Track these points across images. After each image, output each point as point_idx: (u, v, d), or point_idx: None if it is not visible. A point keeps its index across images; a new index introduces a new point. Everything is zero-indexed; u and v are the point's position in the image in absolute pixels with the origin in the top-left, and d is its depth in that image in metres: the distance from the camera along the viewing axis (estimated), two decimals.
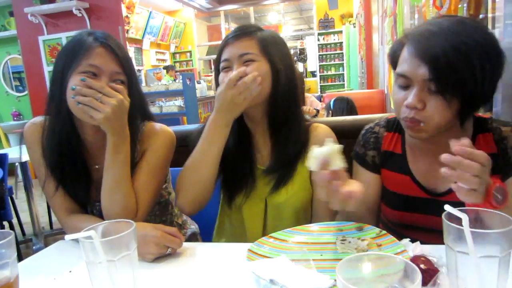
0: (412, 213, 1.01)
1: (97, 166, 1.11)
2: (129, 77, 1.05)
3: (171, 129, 1.18)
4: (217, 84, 1.10)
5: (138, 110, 1.12)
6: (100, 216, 1.08)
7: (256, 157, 1.15)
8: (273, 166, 1.10)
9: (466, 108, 0.85)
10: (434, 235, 0.94)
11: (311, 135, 1.12)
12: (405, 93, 0.88)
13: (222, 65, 1.08)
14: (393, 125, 1.07)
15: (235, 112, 1.01)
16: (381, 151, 1.06)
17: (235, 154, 1.12)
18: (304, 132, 1.11)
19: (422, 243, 0.80)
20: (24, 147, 1.12)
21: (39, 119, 1.11)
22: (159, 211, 1.27)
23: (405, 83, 0.87)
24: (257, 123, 1.13)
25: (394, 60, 0.94)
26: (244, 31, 1.08)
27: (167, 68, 8.03)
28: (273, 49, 1.07)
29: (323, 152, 0.78)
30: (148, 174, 1.08)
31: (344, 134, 1.14)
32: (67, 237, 0.65)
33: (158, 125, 1.16)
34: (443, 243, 0.64)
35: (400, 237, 0.84)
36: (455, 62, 0.79)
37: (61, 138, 1.05)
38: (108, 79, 1.00)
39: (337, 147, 0.78)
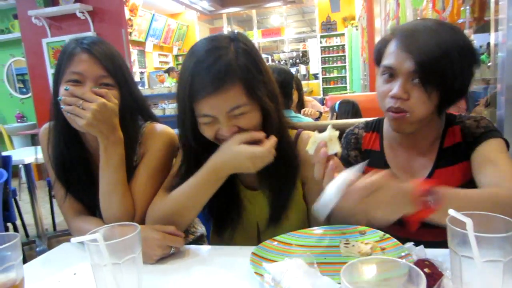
0: None
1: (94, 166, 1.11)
2: (117, 78, 1.03)
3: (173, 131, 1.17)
4: (190, 132, 0.94)
5: (135, 111, 1.12)
6: None
7: (239, 180, 1.07)
8: (264, 189, 1.02)
9: (444, 101, 0.94)
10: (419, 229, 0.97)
11: (301, 148, 1.01)
12: (389, 85, 0.95)
13: (203, 120, 0.90)
14: (372, 126, 1.15)
15: (240, 169, 0.92)
16: (362, 151, 1.12)
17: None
18: (292, 147, 1.02)
19: (413, 240, 0.81)
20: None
21: (49, 123, 1.13)
22: None
23: (390, 75, 0.95)
24: None
25: (378, 57, 1.01)
26: (224, 78, 0.85)
27: (168, 71, 8.05)
28: (260, 87, 0.90)
29: (322, 137, 0.82)
30: (147, 176, 1.08)
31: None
32: (73, 239, 0.65)
33: (159, 126, 1.14)
34: (422, 234, 0.65)
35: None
36: (438, 57, 0.88)
37: (64, 143, 1.08)
38: (94, 83, 0.99)
39: (336, 133, 0.82)
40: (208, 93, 0.85)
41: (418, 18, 2.50)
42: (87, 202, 1.12)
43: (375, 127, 1.14)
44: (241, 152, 0.89)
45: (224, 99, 0.86)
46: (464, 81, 0.93)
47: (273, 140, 0.92)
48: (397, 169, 1.05)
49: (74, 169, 1.09)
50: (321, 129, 1.18)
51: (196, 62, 0.88)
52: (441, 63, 0.88)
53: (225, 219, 1.07)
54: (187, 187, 0.96)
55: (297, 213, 1.03)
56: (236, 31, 0.99)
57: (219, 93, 0.85)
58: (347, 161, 1.10)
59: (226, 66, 0.86)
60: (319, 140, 0.82)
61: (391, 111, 0.95)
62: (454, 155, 1.01)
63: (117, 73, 1.04)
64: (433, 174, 1.02)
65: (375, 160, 1.08)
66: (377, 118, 1.17)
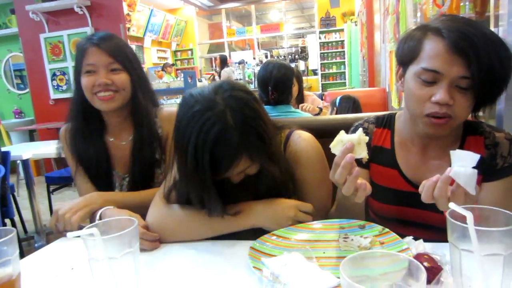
0: (399, 206, 1.02)
1: (111, 139, 1.30)
2: (124, 64, 1.23)
3: None
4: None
5: (146, 93, 1.30)
6: (132, 187, 1.28)
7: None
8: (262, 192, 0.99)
9: (482, 105, 0.90)
10: (422, 230, 0.97)
11: (294, 148, 1.01)
12: (429, 89, 0.87)
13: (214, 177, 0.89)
14: (383, 122, 1.09)
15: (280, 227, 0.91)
16: (371, 147, 1.07)
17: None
18: (284, 158, 1.01)
19: (415, 239, 0.81)
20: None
21: (67, 124, 1.32)
22: None
23: (432, 78, 0.86)
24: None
25: (408, 55, 0.91)
26: (231, 157, 0.86)
27: (163, 67, 8.03)
28: (258, 147, 0.90)
29: (351, 139, 0.80)
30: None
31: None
32: (69, 234, 0.65)
33: (168, 109, 1.33)
34: (430, 238, 0.64)
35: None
36: (494, 64, 0.81)
37: (86, 123, 1.27)
38: (105, 70, 1.21)
39: (366, 137, 0.80)
40: (220, 169, 0.87)
41: (419, 13, 2.48)
42: (105, 172, 1.29)
43: (387, 123, 1.09)
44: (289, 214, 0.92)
45: (234, 169, 0.88)
46: (507, 80, 0.86)
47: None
48: (408, 169, 1.02)
49: (95, 148, 1.27)
50: (321, 125, 1.18)
51: (200, 142, 0.83)
52: (497, 70, 0.82)
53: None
54: (196, 223, 0.96)
55: None
56: (224, 83, 0.91)
57: (229, 169, 0.87)
58: (358, 160, 1.07)
59: (231, 149, 0.84)
60: (346, 141, 0.79)
61: (433, 116, 0.87)
62: None
63: (123, 59, 1.23)
64: None
65: (385, 158, 1.05)
66: (388, 113, 1.12)
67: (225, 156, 0.85)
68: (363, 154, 0.80)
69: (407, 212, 1.01)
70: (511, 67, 0.84)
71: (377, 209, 1.08)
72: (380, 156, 1.06)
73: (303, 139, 1.03)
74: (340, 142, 0.81)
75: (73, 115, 1.29)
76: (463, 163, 0.71)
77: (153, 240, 0.94)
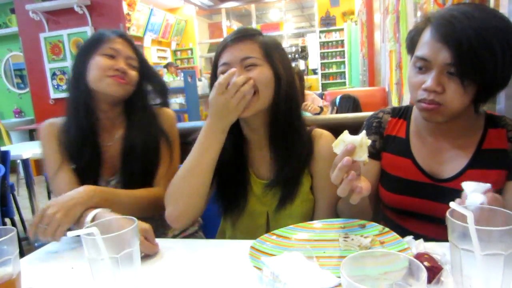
0: (411, 197, 1.01)
1: (110, 144, 1.24)
2: (141, 64, 1.25)
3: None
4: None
5: (159, 95, 1.33)
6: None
7: (251, 171, 1.10)
8: (276, 182, 1.04)
9: (482, 94, 0.87)
10: (434, 225, 0.97)
11: (316, 144, 1.06)
12: (422, 76, 0.89)
13: (221, 69, 1.01)
14: (399, 112, 1.10)
15: (231, 118, 0.96)
16: (384, 136, 1.08)
17: (229, 165, 1.06)
18: (307, 142, 1.06)
19: (425, 238, 0.80)
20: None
21: (57, 120, 1.25)
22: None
23: (424, 66, 0.89)
24: (257, 133, 1.08)
25: (411, 45, 0.95)
26: (245, 34, 1.03)
27: (167, 66, 8.04)
28: (276, 55, 1.02)
29: (354, 140, 0.80)
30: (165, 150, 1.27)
31: (359, 127, 1.14)
32: (69, 233, 0.65)
33: (165, 108, 1.33)
34: (441, 233, 0.63)
35: (400, 230, 0.85)
36: (477, 48, 0.80)
37: (79, 119, 1.19)
38: (124, 61, 1.21)
39: (368, 141, 0.80)
40: (229, 44, 1.01)
41: (419, 13, 2.48)
42: (92, 177, 1.21)
43: (403, 113, 1.09)
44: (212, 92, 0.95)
45: (240, 50, 0.99)
46: (506, 72, 0.85)
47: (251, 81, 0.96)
48: (423, 159, 1.01)
49: (85, 141, 1.19)
50: (321, 125, 1.18)
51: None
52: (480, 54, 0.80)
53: (233, 206, 1.10)
54: (191, 151, 0.99)
55: (304, 203, 1.05)
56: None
57: (237, 44, 1.00)
58: (372, 148, 1.06)
59: (249, 31, 1.04)
60: (349, 142, 0.80)
61: (424, 102, 0.90)
62: (493, 159, 0.94)
63: (140, 58, 1.26)
64: (464, 173, 0.95)
65: (399, 147, 1.05)
66: (406, 105, 1.12)
67: (241, 32, 1.04)
68: (363, 157, 0.79)
69: (419, 203, 1.00)
70: (506, 56, 0.82)
71: (387, 199, 1.07)
72: (393, 145, 1.06)
73: (327, 140, 1.07)
74: (342, 142, 0.81)
75: (73, 108, 1.21)
76: (475, 196, 0.70)
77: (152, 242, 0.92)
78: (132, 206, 1.11)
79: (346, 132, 0.82)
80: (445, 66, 0.85)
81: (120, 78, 1.18)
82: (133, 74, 1.22)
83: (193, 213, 1.00)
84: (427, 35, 0.88)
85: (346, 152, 0.79)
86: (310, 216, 1.09)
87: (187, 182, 0.98)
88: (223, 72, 0.98)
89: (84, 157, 1.19)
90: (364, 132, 0.81)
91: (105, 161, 1.23)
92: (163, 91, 1.34)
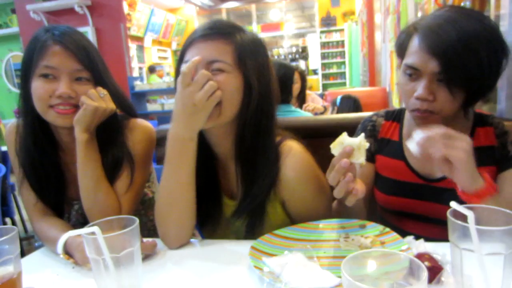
0: (405, 198, 1.02)
1: (76, 164, 1.05)
2: (93, 72, 1.00)
3: (167, 126, 1.16)
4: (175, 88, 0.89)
5: (122, 110, 1.11)
6: (81, 216, 1.11)
7: (223, 190, 1.02)
8: (243, 208, 0.94)
9: (471, 99, 0.89)
10: (429, 224, 0.98)
11: (282, 164, 0.92)
12: (413, 84, 0.90)
13: (183, 66, 0.87)
14: (392, 115, 1.11)
15: (198, 119, 0.85)
16: (378, 139, 1.09)
17: (200, 184, 0.95)
18: (275, 160, 0.92)
19: (421, 238, 0.81)
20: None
21: (17, 120, 1.10)
22: (144, 210, 1.25)
23: (414, 74, 0.90)
24: (223, 147, 0.98)
25: (401, 50, 0.95)
26: (219, 31, 0.89)
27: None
28: (251, 61, 0.89)
29: (352, 143, 0.79)
30: (125, 170, 1.07)
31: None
32: (70, 232, 0.65)
33: (138, 121, 1.13)
34: (437, 232, 0.64)
35: (397, 231, 0.85)
36: (464, 57, 0.82)
37: (35, 137, 1.04)
38: (68, 78, 0.97)
39: (366, 144, 0.80)
40: (198, 39, 0.89)
41: (420, 13, 2.48)
42: (56, 198, 1.09)
43: (396, 116, 1.11)
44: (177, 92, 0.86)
45: (209, 50, 0.87)
46: (492, 77, 0.87)
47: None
48: (415, 161, 1.02)
49: (43, 168, 1.05)
50: (321, 125, 1.18)
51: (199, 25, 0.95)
52: (467, 62, 0.82)
53: (209, 223, 1.04)
54: (164, 171, 0.91)
55: (275, 226, 0.93)
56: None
57: (207, 42, 0.88)
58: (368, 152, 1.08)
59: (225, 28, 0.90)
60: (347, 144, 0.79)
61: (418, 112, 0.91)
62: (483, 157, 0.92)
63: (92, 66, 1.00)
64: None
65: (392, 149, 1.06)
66: (399, 108, 1.13)
67: (215, 26, 0.91)
68: (361, 159, 0.79)
69: (413, 204, 1.01)
70: (492, 63, 0.84)
71: (382, 201, 1.08)
72: (387, 148, 1.08)
73: (292, 156, 0.92)
74: (340, 143, 0.81)
75: (26, 130, 1.04)
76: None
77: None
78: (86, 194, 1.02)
79: (344, 134, 0.82)
80: (434, 75, 0.86)
81: (62, 111, 0.97)
82: (84, 90, 0.98)
83: (186, 232, 0.94)
84: (415, 44, 0.89)
85: (344, 154, 0.79)
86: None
87: (170, 205, 0.91)
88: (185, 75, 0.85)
89: (43, 176, 1.05)
90: (362, 135, 0.81)
91: (70, 182, 1.09)
92: (120, 100, 1.08)
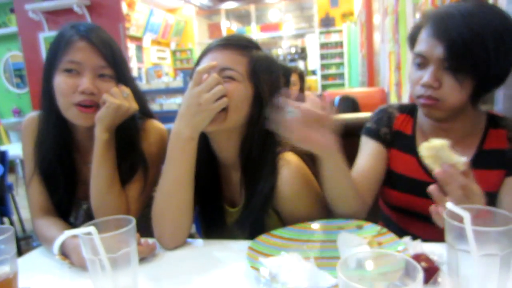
0: (414, 196, 1.00)
1: (89, 165, 1.04)
2: (116, 70, 1.00)
3: (169, 126, 1.15)
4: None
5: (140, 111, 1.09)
6: (88, 216, 1.09)
7: (224, 195, 1.04)
8: (246, 215, 0.95)
9: (479, 89, 0.88)
10: (434, 226, 0.94)
11: (279, 178, 0.92)
12: (421, 73, 0.90)
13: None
14: (406, 109, 1.09)
15: (200, 119, 0.86)
16: (393, 130, 1.08)
17: (201, 190, 0.98)
18: (273, 170, 0.92)
19: (425, 239, 0.80)
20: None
21: (37, 113, 1.10)
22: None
23: (422, 62, 0.90)
24: (227, 154, 0.99)
25: (412, 43, 0.96)
26: (237, 43, 0.93)
27: None
28: (265, 75, 0.92)
29: (449, 159, 0.73)
30: (140, 173, 1.06)
31: (346, 132, 1.13)
32: (67, 232, 0.65)
33: (153, 123, 1.13)
34: (442, 235, 0.63)
35: (400, 231, 0.84)
36: (469, 43, 0.82)
37: (54, 135, 1.04)
38: (92, 74, 0.97)
39: (447, 142, 0.74)
40: (215, 48, 0.93)
41: (418, 14, 2.48)
42: (65, 197, 1.07)
43: (410, 110, 1.09)
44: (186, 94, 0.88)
45: (223, 58, 0.91)
46: (501, 67, 0.85)
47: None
48: None
49: (58, 166, 1.05)
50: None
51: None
52: (473, 49, 0.82)
53: (212, 231, 1.05)
54: (164, 170, 0.92)
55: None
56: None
57: (223, 51, 0.92)
58: (377, 134, 1.07)
59: (243, 41, 0.95)
60: (445, 161, 0.72)
61: (422, 98, 0.91)
62: (494, 159, 0.94)
63: (116, 63, 1.00)
64: None
65: (404, 143, 1.05)
66: (412, 103, 1.11)
67: (231, 38, 0.96)
68: (456, 159, 0.73)
69: (420, 202, 0.97)
70: (500, 51, 0.82)
71: (390, 198, 1.07)
72: (400, 141, 1.06)
73: (288, 169, 0.92)
74: (435, 158, 0.74)
75: (46, 121, 1.04)
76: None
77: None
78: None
79: (424, 145, 0.75)
80: (441, 62, 0.86)
81: (85, 108, 0.97)
82: (106, 88, 0.98)
83: (181, 233, 0.93)
84: (424, 32, 0.90)
85: (459, 172, 0.72)
86: None
87: (167, 205, 0.91)
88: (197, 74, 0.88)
89: (56, 174, 1.05)
90: (444, 141, 0.74)
91: (81, 182, 1.08)
92: (139, 100, 1.05)
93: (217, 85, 0.86)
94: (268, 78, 0.93)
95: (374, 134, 1.08)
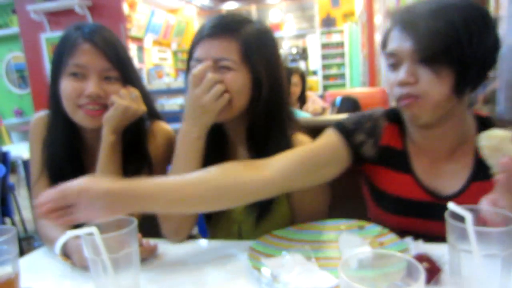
0: (414, 218, 0.91)
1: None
2: (122, 72, 1.00)
3: (170, 126, 1.16)
4: (186, 85, 0.95)
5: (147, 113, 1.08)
6: None
7: None
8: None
9: (461, 81, 0.80)
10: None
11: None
12: (396, 73, 0.84)
13: (193, 64, 0.93)
14: (393, 115, 0.97)
15: (206, 119, 0.89)
16: (379, 145, 0.94)
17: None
18: (287, 149, 0.92)
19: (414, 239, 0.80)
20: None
21: (46, 112, 1.09)
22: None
23: (395, 62, 0.84)
24: (235, 132, 1.01)
25: (384, 45, 0.89)
26: (225, 28, 0.91)
27: None
28: (257, 55, 0.91)
29: (498, 136, 0.68)
30: (144, 175, 1.05)
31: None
32: (69, 233, 0.65)
33: (161, 124, 1.13)
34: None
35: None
36: (438, 31, 0.76)
37: (63, 136, 1.05)
38: (97, 77, 0.96)
39: (510, 133, 0.68)
40: (205, 37, 0.91)
41: None
42: None
43: (397, 117, 0.94)
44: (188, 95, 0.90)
45: (215, 48, 0.90)
46: (478, 53, 0.78)
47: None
48: (423, 174, 0.90)
49: (68, 162, 1.05)
50: (321, 125, 1.17)
51: (206, 20, 0.96)
52: (442, 35, 0.76)
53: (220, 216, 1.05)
54: (173, 165, 0.94)
55: (280, 223, 0.96)
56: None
57: (213, 40, 0.90)
58: (348, 136, 0.93)
59: (230, 24, 0.92)
60: (505, 153, 0.66)
61: (401, 98, 0.83)
62: (487, 169, 0.83)
63: (121, 65, 1.00)
64: (469, 187, 0.86)
65: (396, 160, 0.93)
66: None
67: (221, 23, 0.92)
68: None
69: (421, 224, 0.90)
70: (473, 35, 0.76)
71: (386, 221, 0.93)
72: (390, 158, 0.94)
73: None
74: (496, 149, 0.69)
75: (54, 120, 1.04)
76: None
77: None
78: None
79: (482, 136, 0.70)
80: (413, 56, 0.80)
81: (91, 112, 0.97)
82: (114, 90, 0.98)
83: (187, 227, 0.96)
84: (393, 32, 0.85)
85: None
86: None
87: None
88: (195, 67, 0.91)
89: (64, 174, 1.01)
90: (510, 133, 0.69)
91: None
92: (146, 101, 1.05)
93: (216, 84, 0.87)
94: (262, 56, 0.92)
95: (345, 132, 0.94)
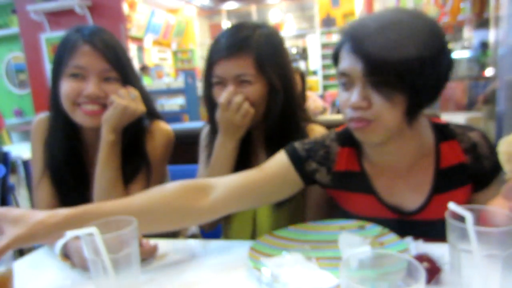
0: None
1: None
2: (121, 72, 1.02)
3: (170, 126, 1.17)
4: (206, 98, 1.08)
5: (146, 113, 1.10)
6: None
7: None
8: None
9: (413, 104, 0.78)
10: None
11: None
12: (348, 93, 0.81)
13: (214, 80, 1.04)
14: (345, 138, 0.94)
15: (239, 134, 1.03)
16: (334, 171, 0.94)
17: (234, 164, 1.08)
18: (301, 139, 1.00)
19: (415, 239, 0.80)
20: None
21: (47, 114, 1.10)
22: None
23: (347, 82, 0.81)
24: (257, 135, 1.13)
25: (336, 61, 0.87)
26: (240, 47, 0.99)
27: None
28: (271, 66, 1.01)
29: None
30: (142, 174, 1.07)
31: None
32: (69, 233, 0.65)
33: (160, 124, 1.14)
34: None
35: None
36: (388, 55, 0.73)
37: (63, 136, 1.05)
38: (97, 78, 0.98)
39: None
40: (223, 57, 1.00)
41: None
42: (74, 202, 1.03)
43: (350, 140, 0.92)
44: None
45: (233, 66, 0.99)
46: (431, 77, 0.76)
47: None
48: (385, 193, 0.90)
49: (67, 167, 1.06)
50: (323, 125, 1.17)
51: (219, 35, 1.04)
52: (392, 60, 0.73)
53: None
54: (209, 171, 1.07)
55: (295, 209, 1.06)
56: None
57: (230, 59, 0.99)
58: (299, 163, 0.93)
59: (244, 41, 1.00)
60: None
61: (353, 121, 0.81)
62: (455, 177, 0.86)
63: (120, 66, 1.02)
64: (431, 200, 0.86)
65: (355, 183, 0.92)
66: (347, 127, 0.91)
67: (235, 42, 1.01)
68: None
69: None
70: (424, 57, 0.74)
71: None
72: (349, 182, 0.93)
73: (316, 133, 1.07)
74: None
75: (57, 129, 1.06)
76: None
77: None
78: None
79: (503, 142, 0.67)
80: (364, 79, 0.77)
81: (90, 112, 0.98)
82: (113, 90, 1.00)
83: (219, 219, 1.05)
84: (344, 50, 0.81)
85: None
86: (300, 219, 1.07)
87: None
88: (217, 84, 1.03)
89: (65, 176, 1.05)
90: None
91: (91, 183, 1.07)
92: (145, 101, 1.06)
93: (243, 104, 0.99)
94: (274, 64, 1.02)
95: (297, 160, 0.93)
